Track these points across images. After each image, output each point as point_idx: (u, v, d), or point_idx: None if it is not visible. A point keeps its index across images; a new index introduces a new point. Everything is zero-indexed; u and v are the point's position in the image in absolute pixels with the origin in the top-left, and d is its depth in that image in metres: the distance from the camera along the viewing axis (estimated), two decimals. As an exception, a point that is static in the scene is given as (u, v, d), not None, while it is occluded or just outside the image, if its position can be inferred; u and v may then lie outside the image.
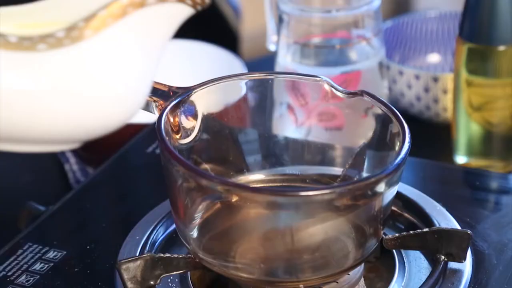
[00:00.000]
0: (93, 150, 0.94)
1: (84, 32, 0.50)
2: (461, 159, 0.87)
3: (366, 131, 0.69)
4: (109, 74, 0.51)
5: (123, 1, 0.51)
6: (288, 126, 0.85)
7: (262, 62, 1.12)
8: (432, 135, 0.93)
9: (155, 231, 0.68)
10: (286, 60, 0.91)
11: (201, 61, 1.02)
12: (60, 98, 0.50)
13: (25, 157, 0.96)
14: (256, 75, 0.71)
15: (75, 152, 0.95)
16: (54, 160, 0.96)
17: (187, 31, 1.09)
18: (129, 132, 0.87)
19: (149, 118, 0.78)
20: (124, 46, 0.52)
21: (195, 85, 0.68)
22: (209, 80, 0.69)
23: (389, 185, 0.61)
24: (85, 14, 0.51)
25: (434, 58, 1.03)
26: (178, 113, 0.66)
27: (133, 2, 0.52)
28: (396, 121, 0.65)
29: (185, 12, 0.55)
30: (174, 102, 0.65)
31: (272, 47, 0.97)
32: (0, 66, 0.48)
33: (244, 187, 0.60)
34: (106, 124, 0.53)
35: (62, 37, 0.50)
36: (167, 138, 0.63)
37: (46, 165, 0.96)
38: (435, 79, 0.92)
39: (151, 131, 0.82)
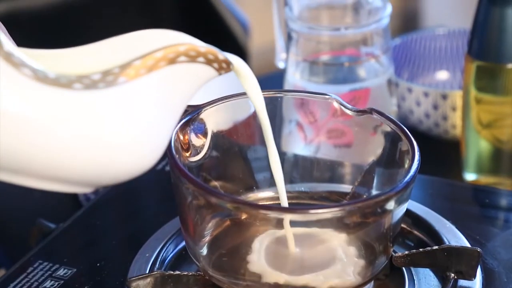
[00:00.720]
0: (103, 167, 0.94)
1: (118, 78, 0.52)
2: (470, 176, 0.87)
3: (375, 148, 0.69)
4: (133, 122, 0.53)
5: (158, 54, 0.53)
6: (297, 143, 0.85)
7: (271, 79, 1.13)
8: (441, 152, 0.93)
9: (164, 248, 0.69)
10: (295, 78, 0.91)
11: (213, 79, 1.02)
12: (82, 138, 0.51)
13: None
14: (265, 93, 0.71)
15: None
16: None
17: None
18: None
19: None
20: (150, 98, 0.53)
21: (204, 103, 0.68)
22: (218, 98, 0.69)
23: (399, 202, 0.62)
24: (120, 62, 0.53)
25: (442, 75, 1.03)
26: (188, 131, 0.67)
27: (166, 57, 0.54)
28: (405, 138, 0.65)
29: (209, 74, 0.57)
30: (184, 120, 0.66)
31: (281, 65, 0.97)
32: (34, 98, 0.49)
33: (253, 205, 0.60)
34: (119, 173, 0.54)
35: (97, 80, 0.52)
36: (177, 156, 0.64)
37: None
38: (444, 97, 0.92)
39: (161, 149, 0.82)
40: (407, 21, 1.54)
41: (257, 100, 0.62)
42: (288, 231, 0.62)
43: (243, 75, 0.61)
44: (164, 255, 0.68)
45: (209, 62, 0.56)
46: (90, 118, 0.52)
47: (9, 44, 0.50)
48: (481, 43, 0.82)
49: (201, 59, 0.55)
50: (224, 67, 0.57)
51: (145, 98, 0.53)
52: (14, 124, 0.49)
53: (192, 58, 0.55)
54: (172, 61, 0.54)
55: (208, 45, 0.57)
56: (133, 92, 0.53)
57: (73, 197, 0.94)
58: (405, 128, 0.65)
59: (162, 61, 0.53)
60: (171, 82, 0.55)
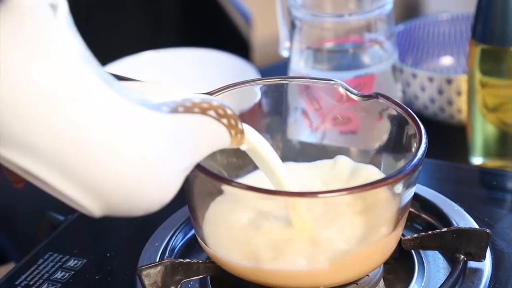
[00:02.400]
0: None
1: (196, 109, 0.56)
2: (476, 160, 0.87)
3: (381, 133, 0.69)
4: (170, 151, 0.54)
5: (195, 99, 0.56)
6: (303, 131, 0.85)
7: (274, 69, 1.13)
8: (447, 137, 0.93)
9: (174, 237, 0.69)
10: (299, 66, 0.91)
11: (214, 69, 1.02)
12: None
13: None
14: (271, 80, 0.71)
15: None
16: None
17: (199, 40, 1.09)
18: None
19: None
20: (182, 139, 0.55)
21: (210, 92, 0.68)
22: (223, 87, 0.69)
23: (407, 185, 0.62)
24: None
25: (446, 60, 1.03)
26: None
27: (199, 106, 0.56)
28: (412, 122, 0.65)
29: (225, 140, 0.59)
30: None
31: (285, 53, 0.97)
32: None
33: (261, 190, 0.60)
34: (141, 202, 0.54)
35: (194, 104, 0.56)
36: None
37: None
38: (449, 81, 0.92)
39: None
40: (410, 8, 1.54)
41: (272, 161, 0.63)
42: (298, 215, 0.62)
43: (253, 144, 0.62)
44: (173, 244, 0.68)
45: (219, 117, 0.58)
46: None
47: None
48: (485, 27, 0.82)
49: (212, 112, 0.57)
50: (233, 125, 0.59)
51: (178, 137, 0.55)
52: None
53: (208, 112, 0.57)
54: (202, 111, 0.57)
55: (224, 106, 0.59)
56: (176, 126, 0.55)
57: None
58: (411, 112, 0.65)
59: (196, 108, 0.56)
60: (195, 131, 0.57)
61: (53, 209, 0.78)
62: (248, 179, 0.69)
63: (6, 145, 0.50)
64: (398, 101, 0.67)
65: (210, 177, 0.60)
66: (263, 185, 0.67)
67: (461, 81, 0.92)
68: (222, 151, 0.65)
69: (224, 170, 0.69)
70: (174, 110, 0.55)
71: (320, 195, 0.59)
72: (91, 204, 0.54)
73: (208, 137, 0.58)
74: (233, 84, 0.70)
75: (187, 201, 0.65)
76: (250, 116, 0.72)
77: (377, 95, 0.68)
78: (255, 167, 0.67)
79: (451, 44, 1.03)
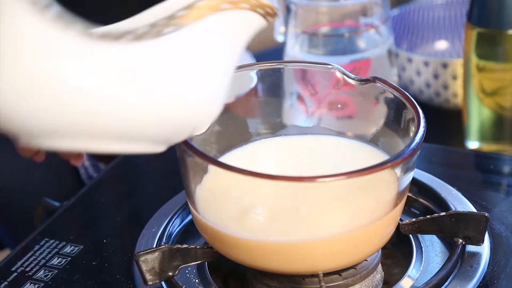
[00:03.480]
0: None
1: (184, 20, 0.51)
2: (473, 144, 0.87)
3: (378, 118, 0.69)
4: (198, 68, 0.52)
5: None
6: (299, 116, 0.85)
7: (269, 54, 1.12)
8: (443, 121, 0.93)
9: (171, 223, 0.68)
10: (294, 50, 0.91)
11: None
12: (154, 88, 0.50)
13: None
14: (267, 65, 0.71)
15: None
16: (65, 156, 0.96)
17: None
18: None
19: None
20: (212, 41, 0.53)
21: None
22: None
23: (405, 170, 0.61)
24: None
25: (442, 45, 1.03)
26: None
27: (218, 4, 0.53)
28: (410, 106, 0.64)
29: (258, 23, 0.57)
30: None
31: (280, 38, 0.97)
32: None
33: (260, 175, 0.60)
34: (186, 123, 0.53)
35: (164, 24, 0.50)
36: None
37: (58, 162, 0.96)
38: (444, 65, 0.92)
39: (163, 124, 0.82)
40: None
41: None
42: (294, 198, 0.61)
43: None
44: (170, 229, 0.68)
45: (253, 7, 0.55)
46: (161, 66, 0.51)
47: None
48: (481, 10, 0.82)
49: (244, 5, 0.54)
50: (269, 13, 0.56)
51: (207, 41, 0.52)
52: (80, 88, 0.48)
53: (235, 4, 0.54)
54: (233, 3, 0.53)
55: None
56: (197, 35, 0.52)
57: (76, 175, 0.94)
58: (409, 96, 0.65)
59: (223, 3, 0.52)
60: (227, 27, 0.54)
61: (49, 195, 0.78)
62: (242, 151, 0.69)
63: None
64: (395, 85, 0.67)
65: (199, 156, 0.60)
66: (257, 157, 0.67)
67: (457, 65, 0.91)
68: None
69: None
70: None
71: (319, 180, 0.59)
72: (157, 148, 0.52)
73: (240, 30, 0.56)
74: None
75: (185, 187, 0.64)
76: (246, 101, 0.72)
77: (374, 79, 0.67)
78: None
79: (446, 28, 1.02)
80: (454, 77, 0.92)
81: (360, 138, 0.70)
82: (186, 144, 0.62)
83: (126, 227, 0.72)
